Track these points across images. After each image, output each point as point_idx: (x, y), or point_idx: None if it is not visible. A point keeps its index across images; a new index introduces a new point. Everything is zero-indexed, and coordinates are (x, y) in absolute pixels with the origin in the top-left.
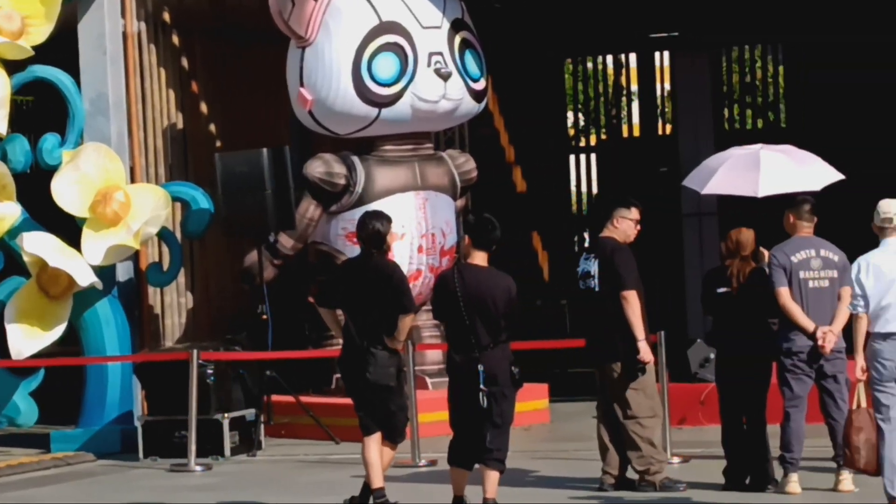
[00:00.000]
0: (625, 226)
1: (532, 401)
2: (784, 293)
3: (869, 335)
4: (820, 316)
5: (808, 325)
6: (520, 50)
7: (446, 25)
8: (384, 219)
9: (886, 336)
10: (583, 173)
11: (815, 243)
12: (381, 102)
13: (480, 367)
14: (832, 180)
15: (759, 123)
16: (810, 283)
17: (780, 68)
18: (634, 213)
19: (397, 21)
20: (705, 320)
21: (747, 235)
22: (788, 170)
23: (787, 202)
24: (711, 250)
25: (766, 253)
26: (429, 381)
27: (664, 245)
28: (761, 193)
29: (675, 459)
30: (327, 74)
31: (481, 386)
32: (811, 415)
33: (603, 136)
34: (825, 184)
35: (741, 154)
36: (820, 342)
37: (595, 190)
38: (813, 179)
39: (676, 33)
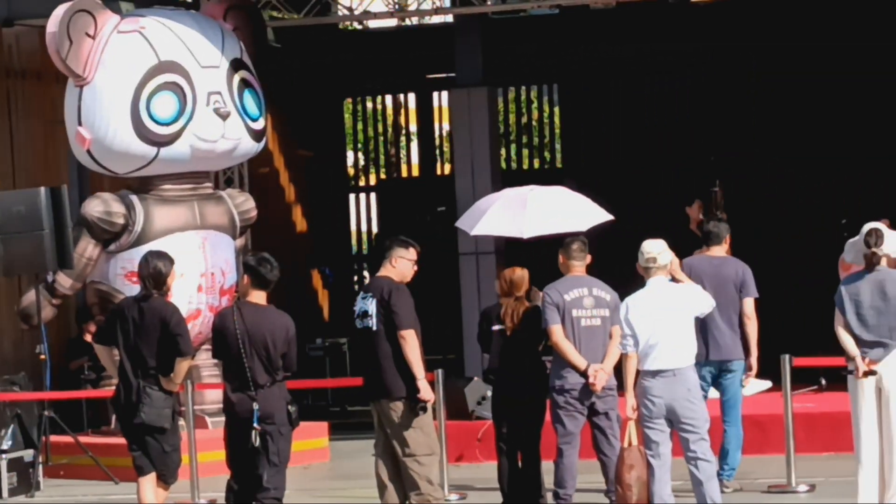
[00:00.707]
0: (402, 265)
1: (311, 439)
2: (556, 331)
3: (639, 373)
4: (592, 354)
5: (580, 362)
6: (299, 89)
7: (225, 65)
8: (166, 259)
9: (655, 374)
10: (363, 212)
11: (587, 282)
12: (160, 142)
13: (255, 406)
14: (600, 221)
15: (536, 163)
16: (583, 322)
17: (556, 109)
18: (412, 254)
19: (176, 60)
20: (483, 358)
21: (521, 275)
22: (555, 211)
23: (560, 242)
24: (489, 289)
25: (539, 293)
26: (208, 420)
27: (442, 284)
28: (527, 235)
29: (453, 496)
30: (105, 114)
31: (254, 424)
32: (584, 451)
33: (382, 176)
34: (592, 224)
35: (511, 196)
36: (591, 380)
37: (375, 229)
38: (580, 220)
39: (454, 74)
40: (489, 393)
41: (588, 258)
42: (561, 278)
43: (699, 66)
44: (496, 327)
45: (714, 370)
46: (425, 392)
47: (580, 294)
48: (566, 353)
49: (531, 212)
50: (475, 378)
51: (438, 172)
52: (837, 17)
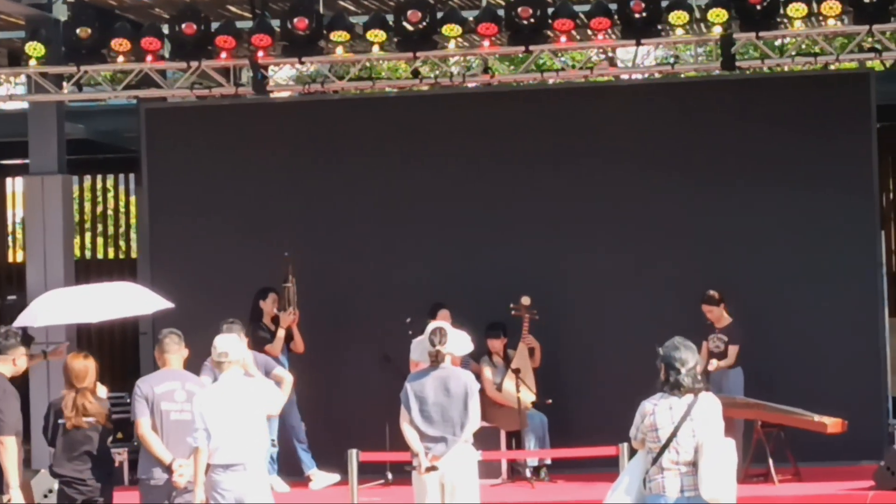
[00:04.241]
0: (22, 363)
1: None
2: (142, 424)
3: (210, 467)
4: (180, 448)
5: (166, 456)
6: None
7: None
8: None
9: (226, 467)
10: None
11: (180, 376)
12: None
13: None
14: (161, 307)
15: (111, 253)
16: (172, 416)
17: (133, 199)
18: (21, 351)
19: None
20: (50, 452)
21: (85, 364)
22: (118, 296)
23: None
24: (60, 381)
25: (104, 387)
26: None
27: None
28: (95, 320)
29: None
30: None
31: None
32: None
33: None
34: (155, 309)
35: (67, 290)
36: (175, 476)
37: None
38: (142, 305)
39: (28, 161)
40: (56, 486)
41: (185, 352)
42: (154, 371)
43: None
44: (62, 421)
45: None
46: (15, 499)
47: (172, 387)
48: (152, 447)
49: (94, 298)
50: (42, 471)
51: (11, 260)
52: None
